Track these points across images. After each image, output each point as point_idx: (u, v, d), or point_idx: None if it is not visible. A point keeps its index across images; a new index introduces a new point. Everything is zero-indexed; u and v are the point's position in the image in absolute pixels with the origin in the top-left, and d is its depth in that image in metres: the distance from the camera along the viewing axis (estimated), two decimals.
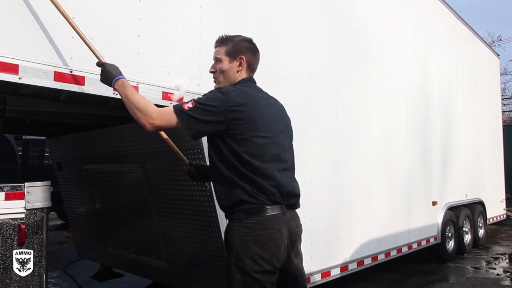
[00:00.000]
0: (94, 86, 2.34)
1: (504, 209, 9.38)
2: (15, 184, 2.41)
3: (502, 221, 9.34)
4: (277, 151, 2.11)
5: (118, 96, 2.43)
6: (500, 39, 25.57)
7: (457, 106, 7.00)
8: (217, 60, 2.22)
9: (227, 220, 2.11)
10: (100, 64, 2.19)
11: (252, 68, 2.25)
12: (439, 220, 6.02)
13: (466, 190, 7.11)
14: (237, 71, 2.19)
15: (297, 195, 2.17)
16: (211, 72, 2.26)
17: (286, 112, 2.33)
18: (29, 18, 2.12)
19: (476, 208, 7.58)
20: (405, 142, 5.35)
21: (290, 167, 2.20)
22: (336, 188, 4.06)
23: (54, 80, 2.19)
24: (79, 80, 2.28)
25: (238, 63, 2.19)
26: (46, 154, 9.22)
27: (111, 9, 2.45)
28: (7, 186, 2.38)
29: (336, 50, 4.20)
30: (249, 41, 2.27)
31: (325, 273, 3.66)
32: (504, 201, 9.49)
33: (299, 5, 3.76)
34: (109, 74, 2.12)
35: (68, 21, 2.17)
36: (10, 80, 2.04)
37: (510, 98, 25.06)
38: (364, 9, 4.68)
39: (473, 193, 7.43)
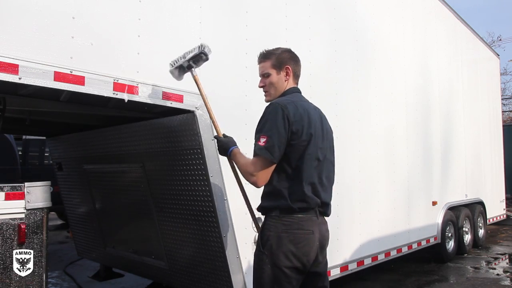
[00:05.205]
0: (94, 86, 2.34)
1: (504, 209, 9.38)
2: (15, 184, 2.41)
3: (502, 221, 9.34)
4: (318, 159, 2.22)
5: (118, 96, 2.44)
6: (500, 39, 25.65)
7: (457, 106, 7.00)
8: (264, 75, 2.36)
9: (264, 216, 2.24)
10: (217, 137, 2.45)
11: (297, 75, 2.39)
12: (439, 220, 6.02)
13: (466, 190, 7.11)
14: (285, 81, 2.34)
15: (328, 204, 2.30)
16: (260, 87, 2.40)
17: (328, 123, 2.41)
18: (29, 18, 2.12)
19: (476, 208, 7.57)
20: (405, 142, 5.35)
21: (326, 176, 2.30)
22: (336, 188, 3.98)
23: (54, 80, 2.19)
24: (79, 80, 2.28)
25: (285, 73, 2.33)
26: (46, 154, 9.21)
27: (111, 9, 2.45)
28: (7, 186, 2.38)
29: (336, 50, 4.20)
30: (289, 51, 2.40)
31: None
32: (504, 201, 9.48)
33: (299, 5, 3.76)
34: (226, 146, 2.36)
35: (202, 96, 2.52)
36: (10, 80, 2.04)
37: (510, 98, 25.07)
38: (364, 9, 4.68)
39: (473, 193, 7.42)
